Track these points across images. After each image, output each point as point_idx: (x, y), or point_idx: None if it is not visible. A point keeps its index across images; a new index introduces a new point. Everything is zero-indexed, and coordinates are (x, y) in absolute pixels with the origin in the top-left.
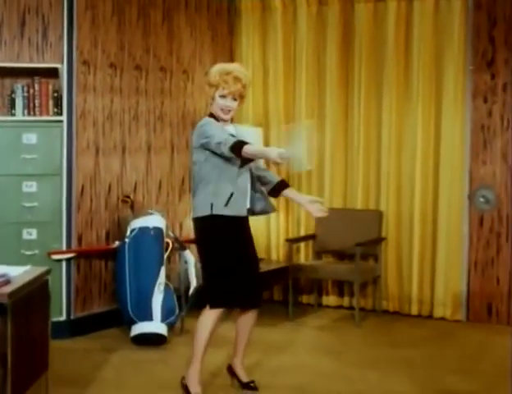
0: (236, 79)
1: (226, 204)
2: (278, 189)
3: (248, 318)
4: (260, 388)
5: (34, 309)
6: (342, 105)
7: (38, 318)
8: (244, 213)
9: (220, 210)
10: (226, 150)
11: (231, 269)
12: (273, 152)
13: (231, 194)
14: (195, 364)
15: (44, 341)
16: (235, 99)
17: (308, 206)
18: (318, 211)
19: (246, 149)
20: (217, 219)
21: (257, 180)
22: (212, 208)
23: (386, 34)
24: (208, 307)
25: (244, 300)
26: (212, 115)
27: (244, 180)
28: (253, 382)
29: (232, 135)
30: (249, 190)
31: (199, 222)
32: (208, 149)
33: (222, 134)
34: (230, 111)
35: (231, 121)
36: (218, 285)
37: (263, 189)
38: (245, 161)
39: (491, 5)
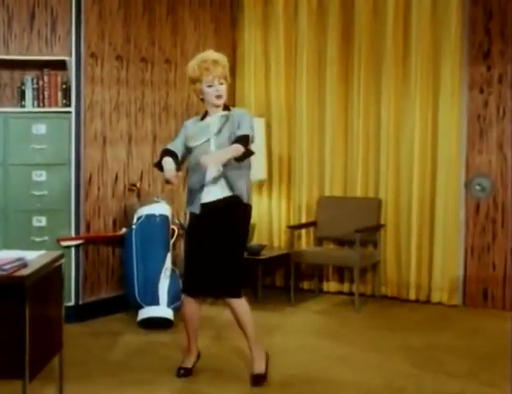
0: (215, 62)
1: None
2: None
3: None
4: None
5: (49, 291)
6: (342, 96)
7: (52, 299)
8: None
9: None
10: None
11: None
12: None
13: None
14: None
15: (58, 322)
16: (221, 83)
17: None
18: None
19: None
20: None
21: None
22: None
23: (385, 26)
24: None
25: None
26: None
27: None
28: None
29: (207, 126)
30: None
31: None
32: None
33: (174, 142)
34: (221, 95)
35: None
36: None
37: None
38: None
39: None
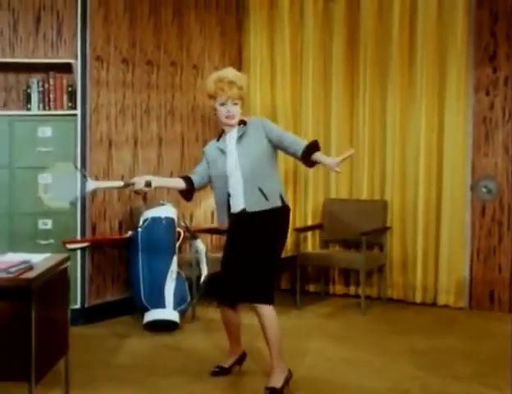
0: (231, 83)
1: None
2: (306, 157)
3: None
4: (268, 371)
5: (55, 293)
6: (348, 99)
7: (58, 302)
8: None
9: (287, 200)
10: None
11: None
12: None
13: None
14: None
15: (64, 325)
16: (235, 104)
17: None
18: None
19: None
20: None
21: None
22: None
23: (390, 30)
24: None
25: None
26: (222, 131)
27: None
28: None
29: (221, 151)
30: None
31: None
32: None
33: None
34: (234, 116)
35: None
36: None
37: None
38: None
39: (493, 1)
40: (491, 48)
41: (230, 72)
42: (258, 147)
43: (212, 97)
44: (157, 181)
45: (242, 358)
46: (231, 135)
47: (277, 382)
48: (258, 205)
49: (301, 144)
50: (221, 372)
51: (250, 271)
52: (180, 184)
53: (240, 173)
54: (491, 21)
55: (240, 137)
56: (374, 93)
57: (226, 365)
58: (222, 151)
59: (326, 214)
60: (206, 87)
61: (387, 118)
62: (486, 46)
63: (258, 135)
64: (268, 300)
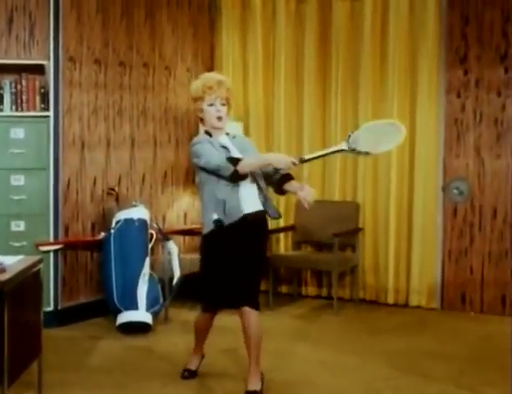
0: (220, 83)
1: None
2: (279, 186)
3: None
4: (239, 373)
5: (28, 296)
6: (320, 100)
7: (31, 304)
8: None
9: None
10: (227, 178)
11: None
12: (272, 157)
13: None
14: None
15: (37, 327)
16: (223, 104)
17: (299, 193)
18: (304, 199)
19: (244, 170)
20: None
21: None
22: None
23: (362, 31)
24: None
25: None
26: (207, 133)
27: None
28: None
29: (224, 147)
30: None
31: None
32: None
33: (214, 154)
34: (222, 117)
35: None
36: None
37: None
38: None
39: (464, 4)
40: (462, 50)
41: (216, 74)
42: (250, 149)
43: (200, 98)
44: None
45: (202, 359)
46: (222, 137)
47: (257, 384)
48: (264, 205)
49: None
50: (190, 375)
51: (248, 275)
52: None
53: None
54: (462, 24)
55: (234, 137)
56: (346, 93)
57: (194, 368)
58: (224, 147)
59: (298, 216)
60: (192, 89)
61: (359, 119)
62: (457, 48)
63: (246, 148)
64: (257, 306)
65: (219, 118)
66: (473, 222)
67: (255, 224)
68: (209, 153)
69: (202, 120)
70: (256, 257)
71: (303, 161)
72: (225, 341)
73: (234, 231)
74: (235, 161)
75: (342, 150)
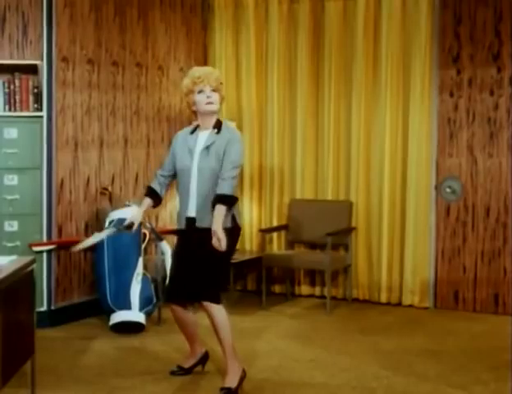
0: (208, 72)
1: None
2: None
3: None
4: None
5: (21, 296)
6: (313, 99)
7: (24, 304)
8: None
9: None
10: None
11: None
12: None
13: None
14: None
15: (30, 327)
16: (213, 90)
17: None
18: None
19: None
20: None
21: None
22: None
23: (355, 31)
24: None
25: None
26: (196, 127)
27: None
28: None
29: (190, 150)
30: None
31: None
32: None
33: (164, 163)
34: (212, 102)
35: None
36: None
37: None
38: None
39: (457, 3)
40: (454, 49)
41: (203, 67)
42: (214, 164)
43: (190, 90)
44: (139, 213)
45: (205, 358)
46: (202, 137)
47: (232, 381)
48: (207, 221)
49: (221, 187)
50: (179, 371)
51: (201, 270)
52: (150, 202)
53: (195, 180)
54: (454, 23)
55: (207, 147)
56: (339, 93)
57: (186, 366)
58: (190, 150)
59: (291, 215)
60: (183, 86)
61: (352, 118)
62: (449, 47)
63: (220, 150)
64: (216, 300)
65: (209, 104)
66: (465, 220)
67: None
68: (165, 159)
69: (195, 113)
70: (209, 254)
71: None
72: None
73: (184, 235)
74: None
75: None
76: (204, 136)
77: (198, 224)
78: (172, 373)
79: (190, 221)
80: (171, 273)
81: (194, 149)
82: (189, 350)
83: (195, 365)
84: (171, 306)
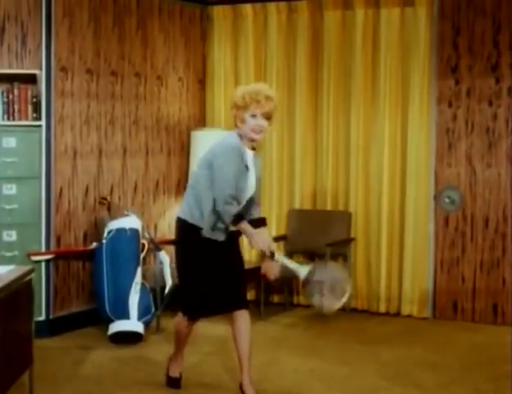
0: (268, 98)
1: None
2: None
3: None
4: (232, 383)
5: (19, 305)
6: (311, 109)
7: (22, 314)
8: None
9: None
10: (226, 216)
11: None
12: (260, 244)
13: None
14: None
15: (28, 337)
16: (266, 118)
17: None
18: (269, 271)
19: (234, 226)
20: None
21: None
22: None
23: (353, 41)
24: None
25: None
26: (240, 136)
27: None
28: None
29: (246, 167)
30: None
31: None
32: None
33: (230, 183)
34: (261, 131)
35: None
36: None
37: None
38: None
39: (455, 14)
40: (453, 59)
41: (266, 87)
42: (259, 171)
43: (243, 108)
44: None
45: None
46: (249, 152)
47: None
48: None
49: (260, 212)
50: (176, 383)
51: (241, 281)
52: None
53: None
54: (453, 33)
55: (255, 155)
56: (338, 104)
57: (178, 375)
58: (247, 166)
59: (290, 225)
60: (236, 96)
61: (351, 128)
62: (448, 58)
63: (258, 174)
64: (247, 305)
65: (254, 131)
66: (464, 231)
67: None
68: (228, 177)
69: (238, 127)
70: (243, 263)
71: (272, 257)
72: (217, 350)
73: (227, 244)
74: (238, 216)
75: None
76: (251, 155)
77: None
78: (170, 384)
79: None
80: (202, 288)
81: (249, 165)
82: (173, 358)
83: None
84: (188, 321)
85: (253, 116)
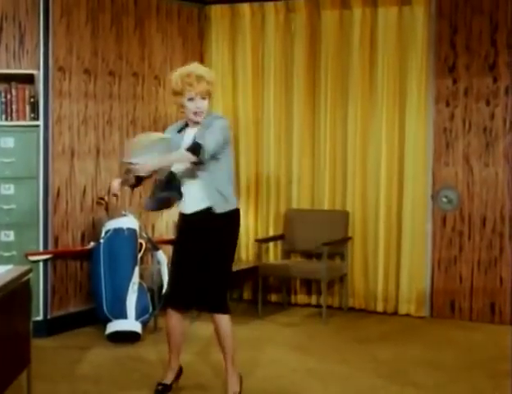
0: (199, 77)
1: None
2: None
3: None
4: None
5: (17, 305)
6: (309, 109)
7: (20, 314)
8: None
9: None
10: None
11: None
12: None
13: None
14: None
15: (26, 337)
16: (203, 98)
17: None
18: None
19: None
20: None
21: None
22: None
23: (351, 40)
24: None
25: None
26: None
27: None
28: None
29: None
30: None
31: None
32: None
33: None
34: (202, 112)
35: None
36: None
37: None
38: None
39: (453, 13)
40: (450, 59)
41: (196, 67)
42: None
43: (179, 93)
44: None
45: (180, 373)
46: (191, 130)
47: (236, 386)
48: (220, 207)
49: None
50: (164, 390)
51: (209, 278)
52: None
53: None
54: (450, 32)
55: (202, 123)
56: (335, 103)
57: (169, 382)
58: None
59: (287, 225)
60: (172, 83)
61: (348, 128)
62: (445, 57)
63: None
64: (227, 310)
65: (196, 113)
66: (462, 230)
67: (196, 225)
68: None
69: (183, 112)
70: (211, 260)
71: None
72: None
73: (185, 232)
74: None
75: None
76: (192, 133)
77: (187, 211)
78: (158, 392)
79: (188, 217)
80: (172, 275)
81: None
82: (168, 363)
83: (174, 381)
84: (170, 312)
85: (191, 99)
